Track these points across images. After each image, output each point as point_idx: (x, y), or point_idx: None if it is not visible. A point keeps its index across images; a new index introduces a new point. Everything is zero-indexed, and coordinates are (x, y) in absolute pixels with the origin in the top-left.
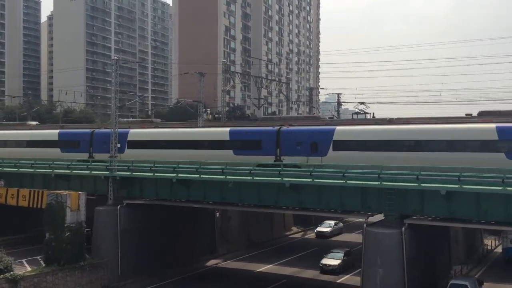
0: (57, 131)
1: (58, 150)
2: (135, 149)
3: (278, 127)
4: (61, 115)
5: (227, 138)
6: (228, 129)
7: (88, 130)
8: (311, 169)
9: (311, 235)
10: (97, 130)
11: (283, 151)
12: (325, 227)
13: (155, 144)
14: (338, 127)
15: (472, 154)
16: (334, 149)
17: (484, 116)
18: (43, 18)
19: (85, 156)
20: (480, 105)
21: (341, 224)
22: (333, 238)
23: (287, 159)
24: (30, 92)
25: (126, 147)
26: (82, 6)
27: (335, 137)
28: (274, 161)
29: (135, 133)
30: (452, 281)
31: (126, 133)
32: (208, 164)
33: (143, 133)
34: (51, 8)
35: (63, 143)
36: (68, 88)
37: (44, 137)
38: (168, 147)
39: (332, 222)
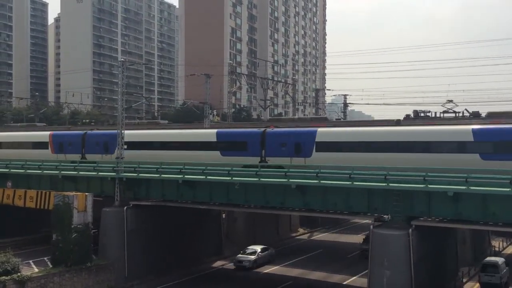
0: (215, 130)
1: (218, 153)
2: (327, 152)
3: None
4: (68, 116)
5: (469, 139)
6: (469, 127)
7: (257, 130)
8: (317, 170)
9: (317, 236)
10: (270, 130)
11: None
12: (248, 255)
13: (360, 146)
14: None
15: None
16: None
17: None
18: (50, 20)
19: (254, 160)
20: (485, 106)
21: (272, 250)
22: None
23: None
24: (37, 93)
25: (314, 150)
26: (89, 8)
27: None
28: None
29: (327, 133)
30: (485, 260)
31: (313, 133)
32: (214, 166)
33: (340, 132)
34: (58, 10)
35: (224, 144)
36: (75, 90)
37: (199, 138)
38: (379, 150)
39: (259, 249)
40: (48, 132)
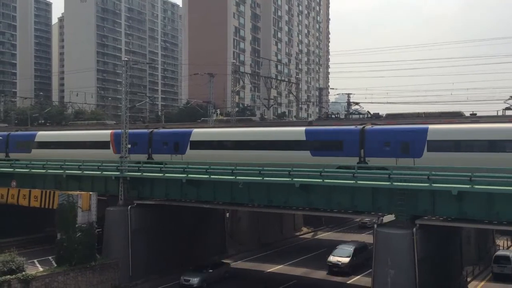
0: (304, 128)
1: (307, 153)
2: (442, 152)
3: None
4: (72, 116)
5: None
6: None
7: (353, 127)
8: (320, 169)
9: (321, 235)
10: (369, 127)
11: None
12: (194, 273)
13: (483, 145)
14: None
15: None
16: None
17: None
18: (54, 20)
19: (351, 161)
20: (490, 105)
21: (227, 267)
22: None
23: None
24: (41, 93)
25: (426, 150)
26: (92, 8)
27: None
28: None
29: (441, 130)
30: (497, 253)
31: (424, 130)
32: (217, 165)
33: (456, 130)
34: (62, 10)
35: (315, 143)
36: (79, 89)
37: (285, 137)
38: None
39: (210, 265)
40: (109, 131)
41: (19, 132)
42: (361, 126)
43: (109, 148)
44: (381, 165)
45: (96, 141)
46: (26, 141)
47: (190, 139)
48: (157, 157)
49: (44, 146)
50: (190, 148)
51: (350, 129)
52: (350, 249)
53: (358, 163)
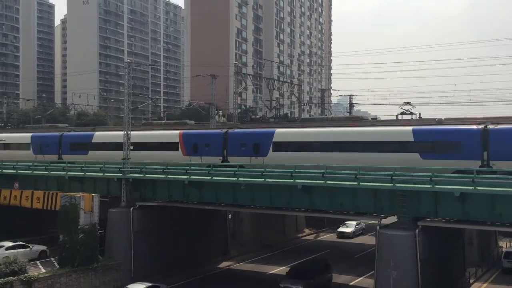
0: (410, 128)
1: (416, 155)
2: None
3: None
4: (74, 117)
5: None
6: None
7: (473, 127)
8: (323, 171)
9: (323, 236)
10: (493, 127)
11: None
12: None
13: None
14: None
15: None
16: None
17: None
18: (57, 22)
19: (471, 164)
20: (493, 105)
21: None
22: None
23: None
24: (44, 95)
25: None
26: (95, 10)
27: None
28: None
29: None
30: (507, 250)
31: None
32: (219, 166)
33: None
34: (65, 12)
35: (426, 145)
36: (82, 91)
37: (386, 137)
38: None
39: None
40: (178, 131)
41: (73, 133)
42: (483, 126)
43: (177, 150)
44: (510, 169)
45: (163, 142)
46: (82, 142)
47: (273, 140)
48: (233, 159)
49: (103, 147)
50: (273, 150)
51: (470, 129)
52: (305, 270)
53: (480, 166)
